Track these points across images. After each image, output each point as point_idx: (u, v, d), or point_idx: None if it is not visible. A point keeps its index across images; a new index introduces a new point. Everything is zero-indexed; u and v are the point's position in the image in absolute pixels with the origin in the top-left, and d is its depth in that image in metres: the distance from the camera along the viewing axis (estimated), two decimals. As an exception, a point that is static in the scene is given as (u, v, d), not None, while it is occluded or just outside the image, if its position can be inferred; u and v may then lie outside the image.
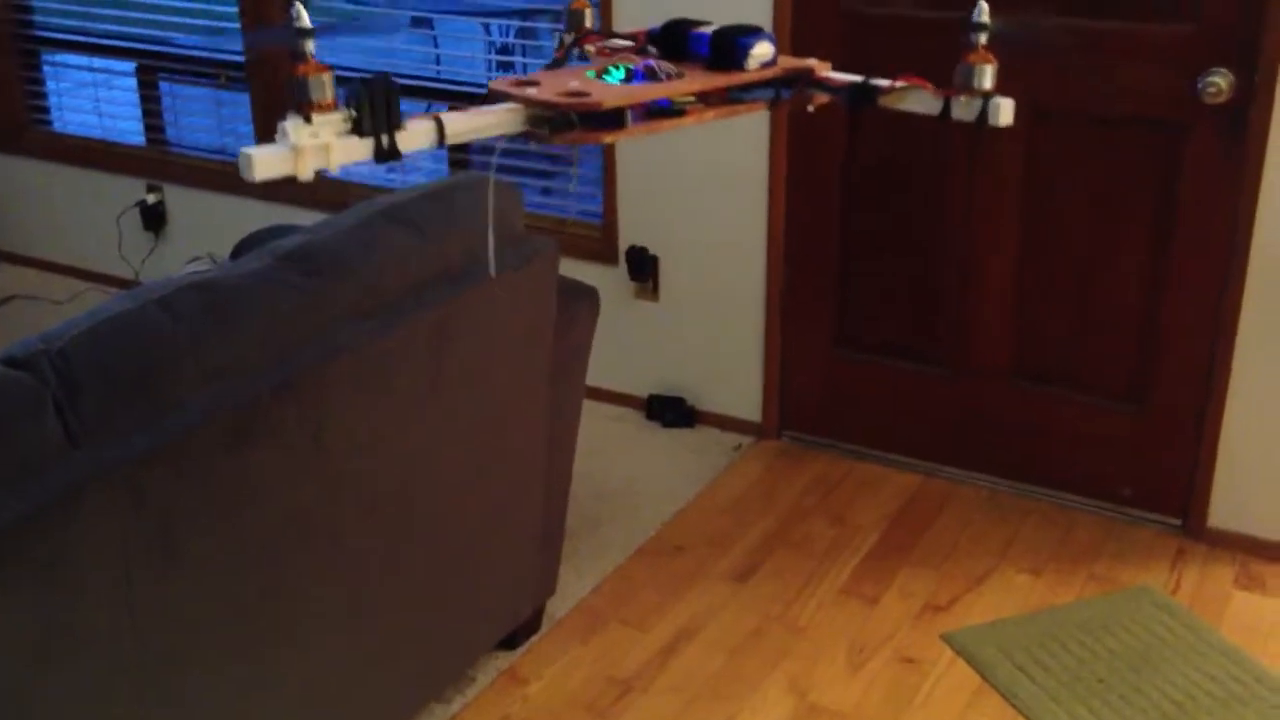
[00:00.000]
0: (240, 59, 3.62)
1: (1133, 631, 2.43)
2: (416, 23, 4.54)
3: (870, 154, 2.86)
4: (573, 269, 3.18)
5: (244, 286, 1.65)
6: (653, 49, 1.13)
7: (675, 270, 3.16)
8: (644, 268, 3.17)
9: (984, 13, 1.06)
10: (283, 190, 3.68)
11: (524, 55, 4.38)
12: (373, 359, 1.76)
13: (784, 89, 1.13)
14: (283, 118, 0.92)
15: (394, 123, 0.94)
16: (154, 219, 3.94)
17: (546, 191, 3.47)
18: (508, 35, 4.45)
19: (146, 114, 4.01)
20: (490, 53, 4.55)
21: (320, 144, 0.91)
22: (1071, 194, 2.69)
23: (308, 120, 0.91)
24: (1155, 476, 2.77)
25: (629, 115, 1.01)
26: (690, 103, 1.07)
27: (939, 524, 2.81)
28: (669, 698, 2.27)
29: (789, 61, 1.13)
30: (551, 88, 1.01)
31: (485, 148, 3.58)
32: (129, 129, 4.06)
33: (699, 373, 3.22)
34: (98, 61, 4.05)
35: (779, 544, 2.74)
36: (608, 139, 1.04)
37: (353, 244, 1.82)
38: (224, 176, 3.80)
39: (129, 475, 1.43)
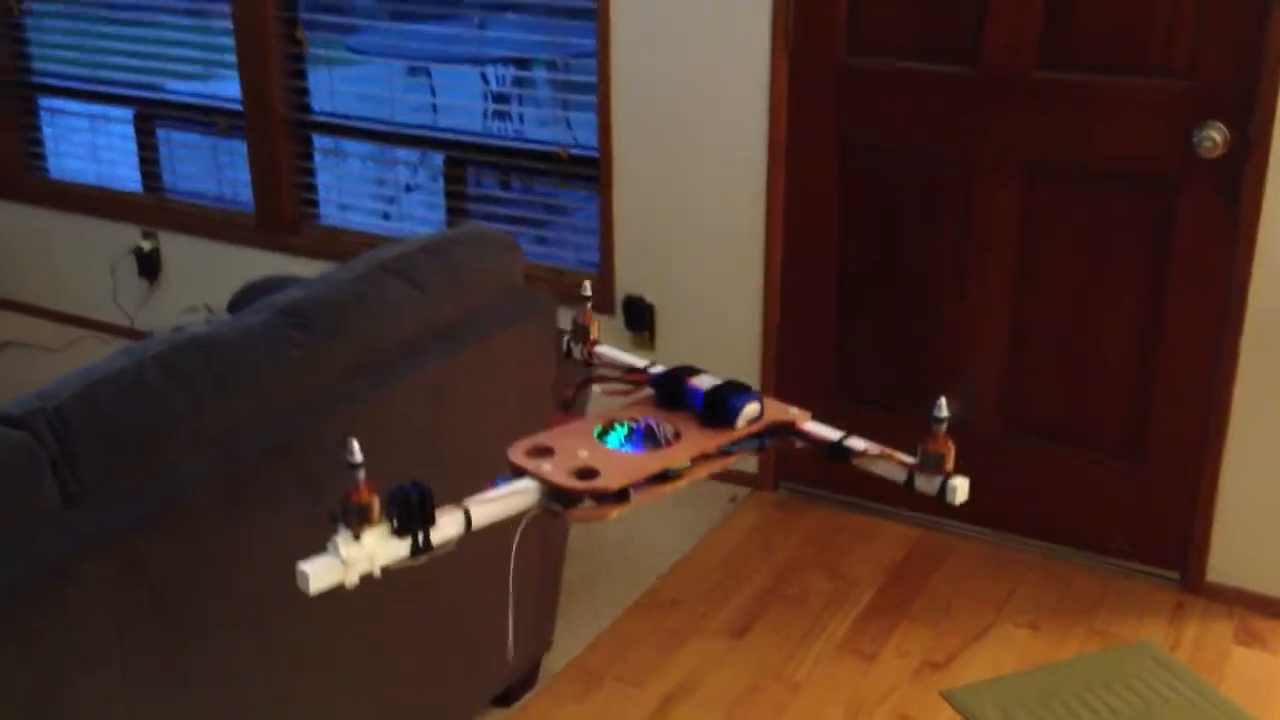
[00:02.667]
0: (239, 107, 3.63)
1: (1134, 689, 2.41)
2: (413, 71, 4.57)
3: (866, 211, 2.87)
4: (570, 319, 3.18)
5: (242, 344, 1.64)
6: (651, 391, 1.25)
7: (672, 320, 3.16)
8: (641, 317, 3.17)
9: (943, 408, 1.20)
10: (278, 239, 3.68)
11: (520, 103, 4.40)
12: (369, 418, 1.75)
13: (768, 437, 1.25)
14: (333, 522, 1.03)
15: (428, 521, 1.04)
16: (149, 266, 3.93)
17: (542, 241, 3.48)
18: (504, 84, 4.47)
19: (143, 161, 4.01)
20: (487, 100, 4.57)
21: (367, 554, 1.02)
22: (1065, 250, 2.70)
23: (357, 538, 1.02)
24: (1153, 530, 2.76)
25: (632, 491, 1.11)
26: (687, 467, 1.17)
27: (937, 578, 2.79)
28: (666, 756, 2.24)
29: (773, 414, 1.24)
30: (564, 462, 1.12)
31: (484, 196, 3.59)
32: (125, 176, 4.07)
33: (695, 423, 3.20)
34: (94, 108, 4.07)
35: (775, 599, 2.72)
36: (614, 515, 1.14)
37: (351, 299, 1.81)
38: (220, 224, 3.80)
39: (125, 539, 1.41)
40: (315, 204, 3.71)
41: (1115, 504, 2.79)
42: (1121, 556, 2.81)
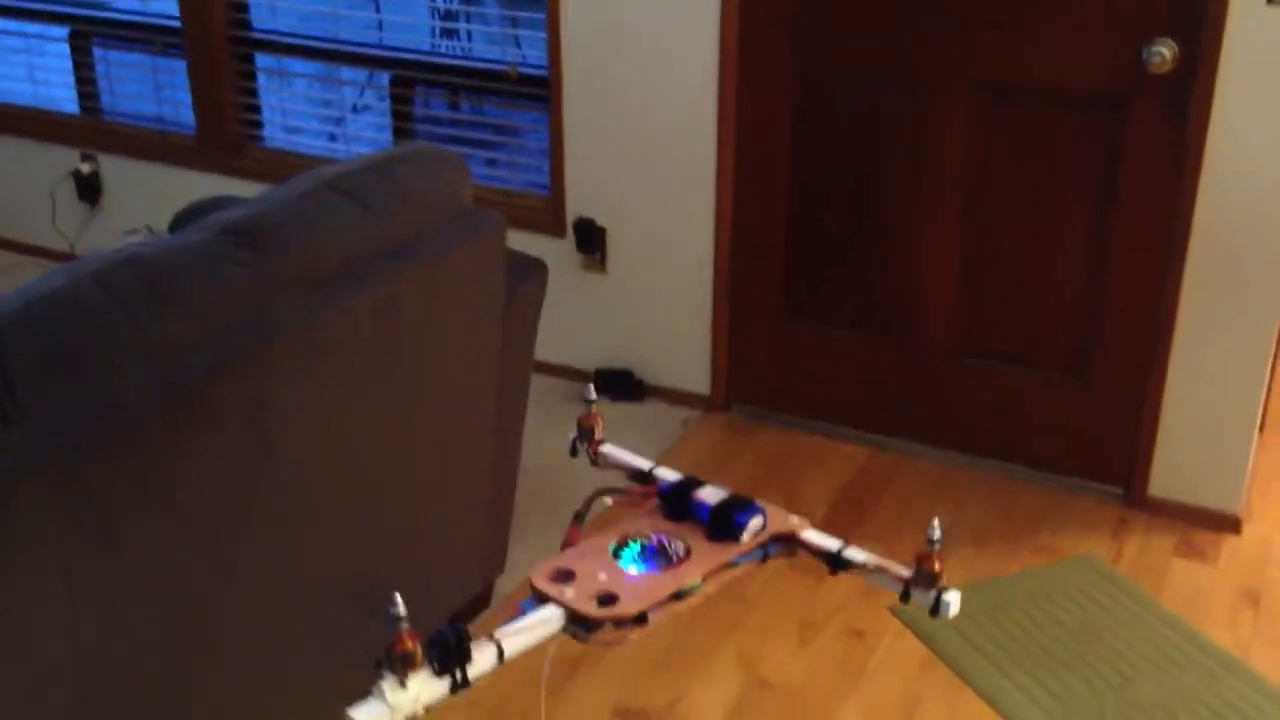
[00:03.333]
0: (177, 24, 3.53)
1: (1076, 601, 2.46)
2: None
3: (817, 132, 2.86)
4: (519, 241, 3.15)
5: (183, 261, 1.60)
6: (659, 502, 1.33)
7: (623, 242, 3.14)
8: (592, 239, 3.15)
9: (936, 529, 1.24)
10: (221, 161, 3.61)
11: (468, 21, 4.31)
12: (315, 338, 1.73)
13: (772, 546, 1.32)
14: (378, 669, 1.10)
15: (465, 658, 1.10)
16: (89, 190, 3.84)
17: (492, 163, 3.43)
18: (452, 1, 4.38)
19: (80, 81, 3.90)
20: (435, 18, 4.48)
21: (411, 696, 1.08)
22: (1016, 170, 2.70)
23: (402, 684, 1.10)
24: (1098, 447, 2.81)
25: (649, 614, 1.19)
26: (698, 586, 1.24)
27: (887, 496, 2.83)
28: (618, 672, 2.27)
29: (776, 525, 1.31)
30: (585, 587, 1.19)
31: (432, 117, 3.53)
32: (62, 96, 3.96)
33: (647, 346, 3.20)
34: (30, 27, 3.94)
35: (728, 517, 2.74)
36: (634, 636, 1.21)
37: (295, 217, 1.78)
38: (161, 146, 3.71)
39: (65, 459, 1.39)
40: (259, 125, 3.63)
41: (1062, 422, 2.83)
42: (1067, 473, 2.85)
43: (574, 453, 1.49)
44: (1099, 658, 2.30)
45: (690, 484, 1.33)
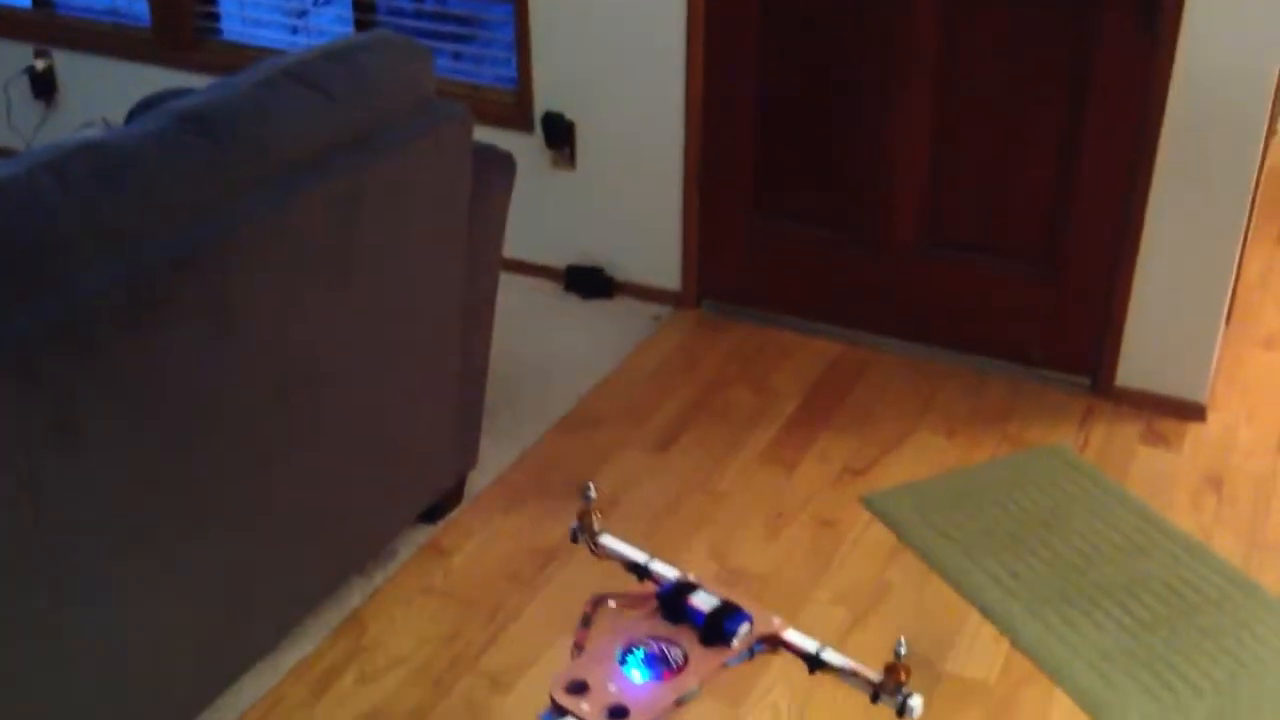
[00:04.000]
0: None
1: (1043, 489, 2.49)
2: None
3: (788, 23, 2.80)
4: (486, 138, 3.10)
5: (139, 150, 1.57)
6: (657, 604, 1.47)
7: (593, 137, 3.09)
8: (560, 134, 3.10)
9: (903, 645, 1.41)
10: (178, 55, 3.51)
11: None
12: (277, 230, 1.70)
13: (758, 645, 1.46)
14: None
15: None
16: (44, 87, 3.74)
17: (458, 57, 3.36)
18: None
19: (30, -26, 3.78)
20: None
21: None
22: (987, 64, 2.66)
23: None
24: (1066, 338, 2.82)
25: None
26: (695, 693, 1.39)
27: (858, 390, 2.84)
28: (591, 566, 2.29)
29: (761, 628, 1.45)
30: (599, 701, 1.33)
31: (394, 9, 3.44)
32: (11, -9, 3.83)
33: (617, 243, 3.18)
34: (-27, -83, 3.80)
35: (699, 413, 2.75)
36: None
37: (255, 106, 1.74)
38: (117, 40, 3.61)
39: (22, 353, 1.36)
40: (216, 18, 3.54)
41: (1031, 314, 2.83)
42: (1035, 365, 2.87)
43: (574, 539, 1.63)
44: (1064, 543, 2.34)
45: (684, 588, 1.47)
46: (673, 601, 1.46)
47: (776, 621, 1.47)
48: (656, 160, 3.03)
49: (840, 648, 2.10)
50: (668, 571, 1.56)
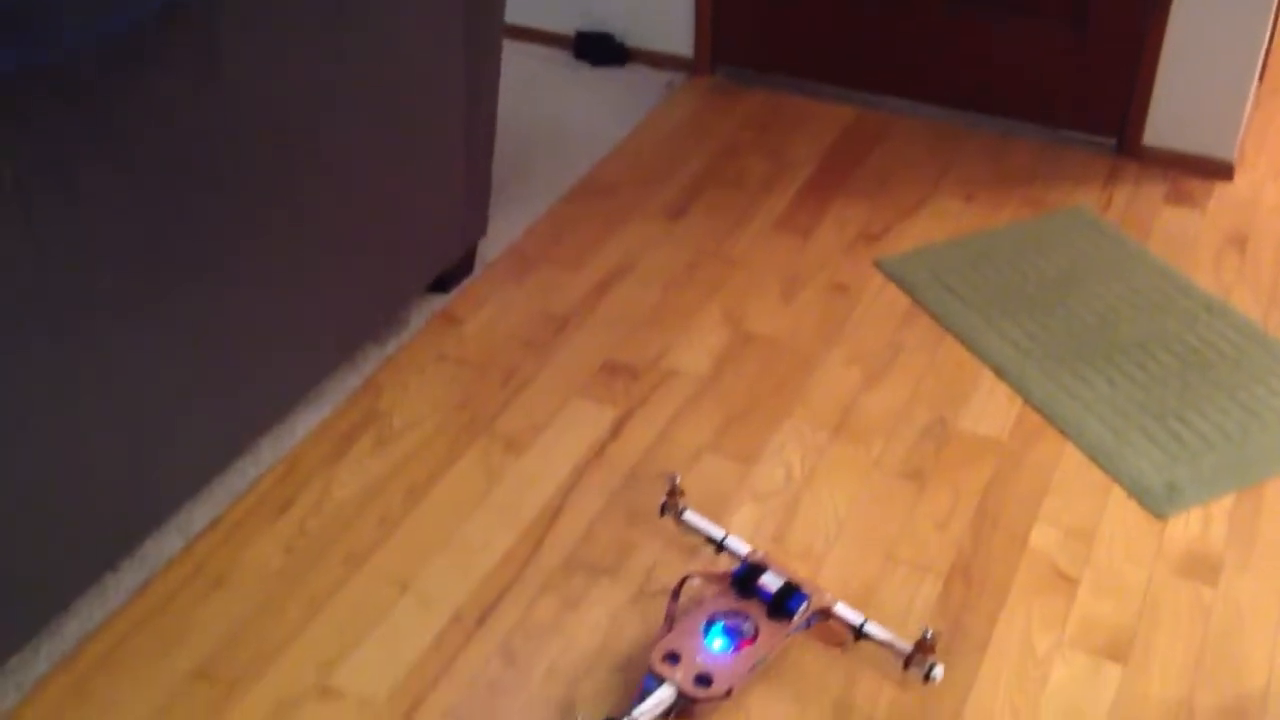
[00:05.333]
0: None
1: (1062, 251, 2.45)
2: None
3: None
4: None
5: (112, -108, 1.48)
6: (733, 587, 1.72)
7: (598, -107, 2.94)
8: (565, -108, 2.95)
9: (929, 632, 1.64)
10: None
11: None
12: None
13: (813, 617, 1.71)
14: None
15: None
16: None
17: None
18: None
19: None
20: None
21: None
22: None
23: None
24: (1093, 96, 2.72)
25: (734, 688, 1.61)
26: (765, 659, 1.65)
27: (875, 155, 2.77)
28: (605, 330, 2.28)
29: (816, 603, 1.70)
30: (688, 670, 1.60)
31: None
32: None
33: (628, 7, 3.05)
34: None
35: (713, 181, 2.69)
36: (719, 701, 1.63)
37: None
38: None
39: (6, 93, 1.32)
40: None
41: (1056, 73, 2.73)
42: (1060, 125, 2.78)
43: (663, 513, 1.89)
44: (1081, 303, 2.31)
45: (755, 570, 1.72)
46: (745, 582, 1.71)
47: (828, 597, 1.73)
48: (667, 5, 2.89)
49: (854, 408, 2.11)
50: (740, 547, 1.81)
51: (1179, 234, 2.50)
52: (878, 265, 2.44)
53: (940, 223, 2.55)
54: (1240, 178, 2.66)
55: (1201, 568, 1.83)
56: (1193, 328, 2.25)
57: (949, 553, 1.85)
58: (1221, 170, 2.65)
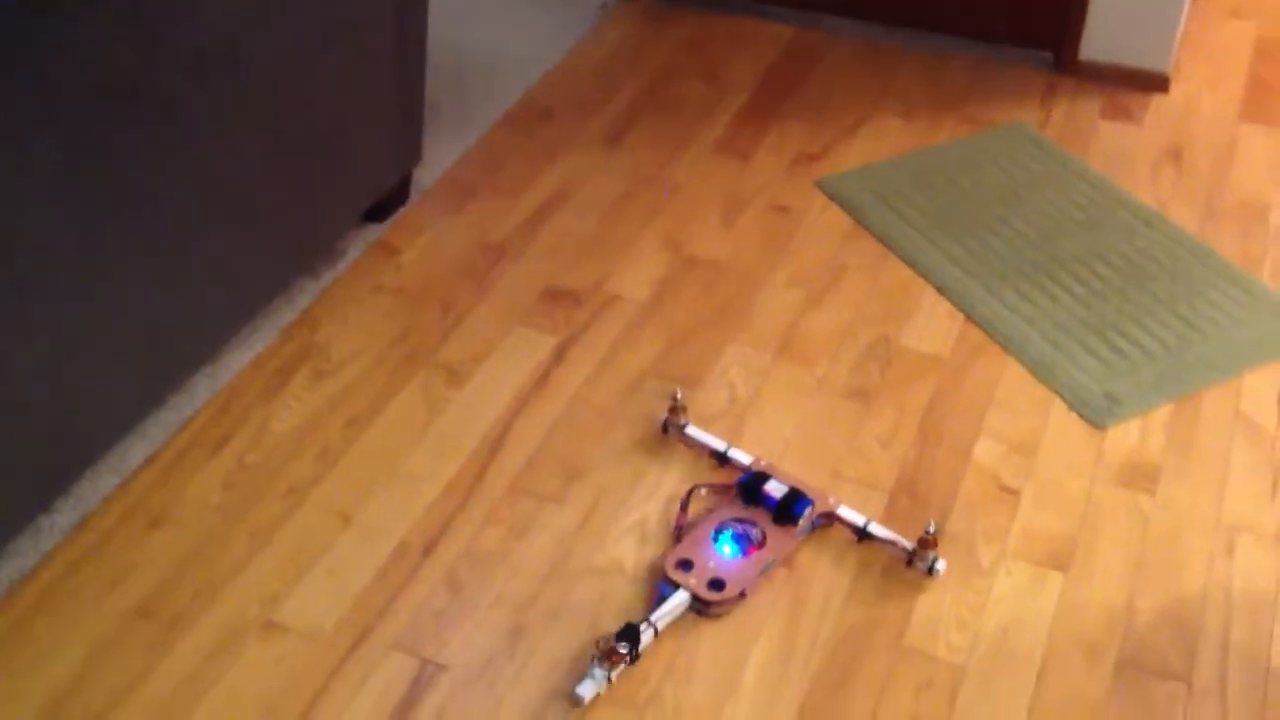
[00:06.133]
0: None
1: (1002, 167, 2.45)
2: None
3: None
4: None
5: None
6: (739, 496, 1.77)
7: None
8: None
9: (932, 526, 1.69)
10: None
11: None
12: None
13: (817, 520, 1.76)
14: (592, 661, 1.57)
15: (638, 641, 1.58)
16: None
17: None
18: None
19: None
20: None
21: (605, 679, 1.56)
22: None
23: (608, 675, 1.56)
24: (1030, 12, 2.71)
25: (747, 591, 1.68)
26: (774, 563, 1.70)
27: (813, 76, 2.74)
28: (544, 260, 2.25)
29: (820, 506, 1.75)
30: (701, 575, 1.66)
31: None
32: None
33: (559, -73, 2.98)
34: None
35: (650, 105, 2.65)
36: (733, 603, 1.67)
37: None
38: None
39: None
40: None
41: (994, -12, 2.71)
42: (998, 41, 2.77)
43: (665, 430, 1.89)
44: (1022, 219, 2.32)
45: (760, 478, 1.76)
46: (750, 490, 1.76)
47: (832, 501, 1.76)
48: None
49: (797, 329, 2.11)
50: (743, 457, 1.83)
51: (1116, 148, 2.51)
52: (818, 186, 2.42)
53: (880, 142, 2.54)
54: (1175, 89, 2.67)
55: (1140, 477, 1.86)
56: (1131, 241, 2.26)
57: (894, 469, 1.86)
58: (1157, 82, 2.65)
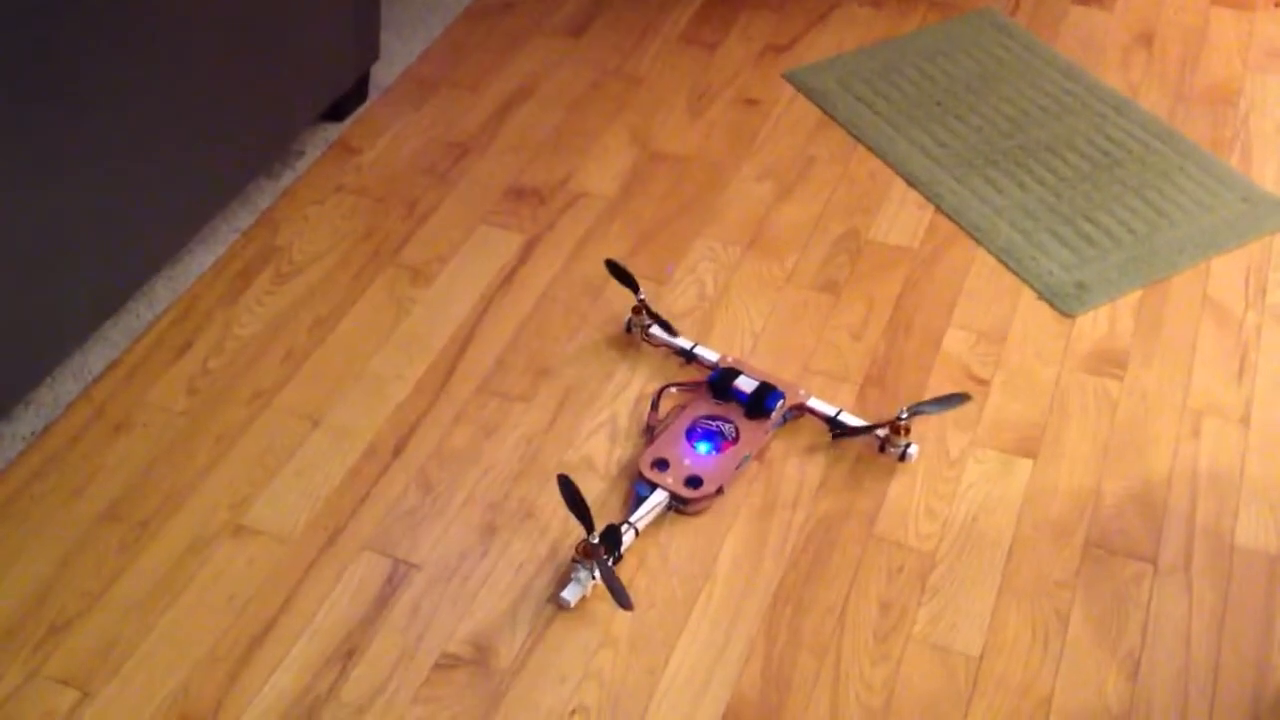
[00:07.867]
0: None
1: (971, 55, 2.41)
2: None
3: None
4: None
5: None
6: (708, 389, 1.77)
7: None
8: None
9: (904, 411, 1.70)
10: None
11: None
12: None
13: (789, 413, 1.76)
14: (574, 561, 1.56)
15: (619, 542, 1.57)
16: None
17: None
18: None
19: None
20: None
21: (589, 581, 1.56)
22: None
23: (592, 575, 1.55)
24: (1001, -104, 2.65)
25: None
26: (749, 457, 1.70)
27: (779, -37, 2.68)
28: (509, 156, 2.21)
29: (791, 399, 1.75)
30: (678, 474, 1.66)
31: None
32: None
33: None
34: None
35: (614, -5, 2.59)
36: (712, 500, 1.66)
37: None
38: None
39: None
40: None
41: None
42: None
43: (629, 330, 1.88)
44: (990, 108, 2.29)
45: (729, 374, 1.75)
46: (721, 386, 1.75)
47: (802, 393, 1.76)
48: None
49: (766, 222, 2.08)
50: (709, 355, 1.83)
51: (1087, 34, 2.47)
52: (787, 77, 2.38)
53: (848, 31, 2.49)
54: (1147, -25, 2.63)
55: (1108, 363, 1.86)
56: (1101, 128, 2.24)
57: (864, 361, 1.86)
58: (1129, -33, 2.60)
